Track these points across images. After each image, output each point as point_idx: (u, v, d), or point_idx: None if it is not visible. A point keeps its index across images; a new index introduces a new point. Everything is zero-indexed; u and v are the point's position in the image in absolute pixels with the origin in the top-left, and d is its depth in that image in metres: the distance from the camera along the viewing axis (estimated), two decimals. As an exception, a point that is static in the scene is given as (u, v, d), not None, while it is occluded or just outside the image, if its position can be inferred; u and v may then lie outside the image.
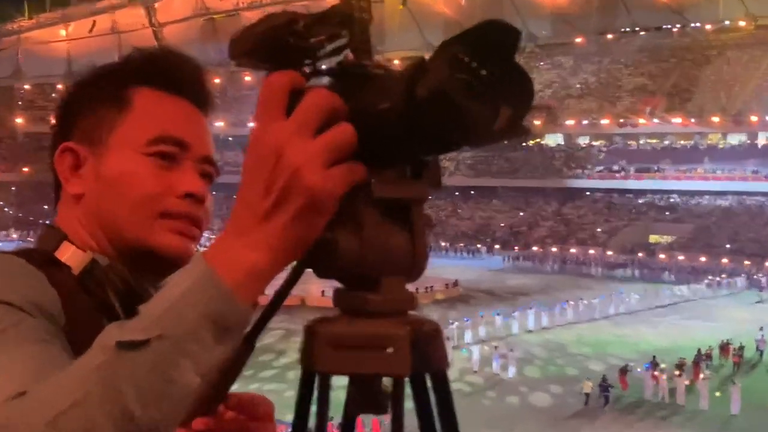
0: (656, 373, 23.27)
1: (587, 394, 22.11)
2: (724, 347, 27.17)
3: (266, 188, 0.57)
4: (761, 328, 28.76)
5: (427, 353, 0.62)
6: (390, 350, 0.60)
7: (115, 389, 0.54)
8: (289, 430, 0.67)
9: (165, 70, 0.91)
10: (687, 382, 23.02)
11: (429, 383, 0.64)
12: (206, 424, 0.74)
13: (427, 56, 0.53)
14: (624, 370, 23.76)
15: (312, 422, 0.64)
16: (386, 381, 0.62)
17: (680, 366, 24.25)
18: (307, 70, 0.61)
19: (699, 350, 26.50)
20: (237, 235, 0.58)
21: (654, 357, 24.83)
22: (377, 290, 0.61)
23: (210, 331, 0.57)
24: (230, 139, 60.62)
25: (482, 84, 0.53)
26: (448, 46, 0.53)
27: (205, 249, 0.60)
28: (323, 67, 0.62)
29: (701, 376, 23.23)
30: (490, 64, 0.53)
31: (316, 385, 0.63)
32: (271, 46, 0.61)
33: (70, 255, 0.85)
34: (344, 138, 0.57)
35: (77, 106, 0.92)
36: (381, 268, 0.61)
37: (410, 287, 0.64)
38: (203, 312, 0.56)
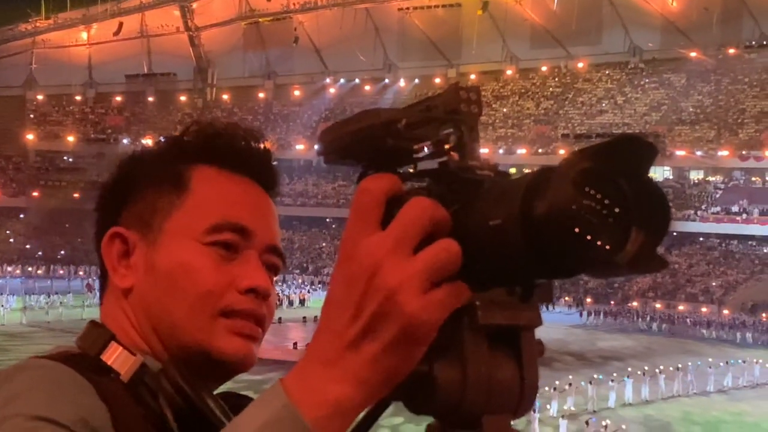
0: None
1: None
2: None
3: (356, 311, 0.52)
4: None
5: None
6: None
7: None
8: None
9: (228, 147, 0.85)
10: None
11: None
12: None
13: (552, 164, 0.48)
14: None
15: None
16: None
17: None
18: (406, 170, 0.57)
19: None
20: (321, 364, 0.53)
21: None
22: (478, 428, 0.56)
23: None
24: (275, 163, 57.16)
25: (611, 210, 0.48)
26: (577, 161, 0.47)
27: (285, 376, 0.55)
28: (424, 168, 0.57)
29: None
30: (623, 185, 0.49)
31: None
32: (369, 146, 0.57)
33: (117, 358, 0.80)
34: (448, 257, 0.51)
35: (129, 185, 0.86)
36: (484, 406, 0.55)
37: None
38: None
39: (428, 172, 0.57)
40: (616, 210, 0.48)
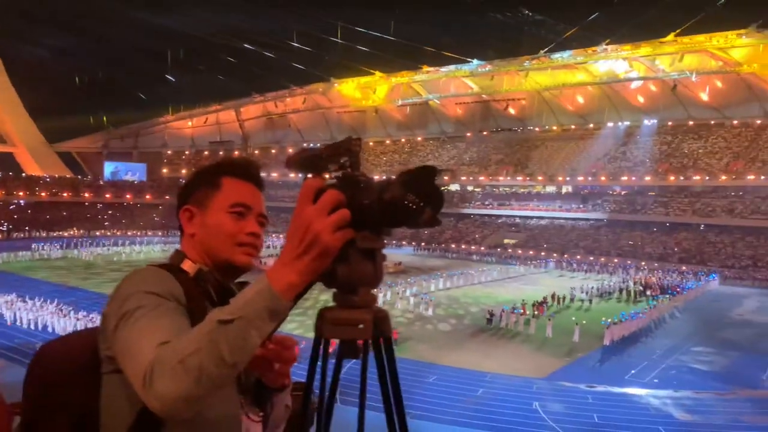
0: (513, 311, 30.54)
1: (488, 319, 30.45)
2: (551, 297, 36.21)
3: (300, 241, 1.05)
4: (572, 288, 40.06)
5: (381, 327, 1.17)
6: (361, 326, 1.14)
7: (216, 345, 1.01)
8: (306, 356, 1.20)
9: (240, 168, 1.50)
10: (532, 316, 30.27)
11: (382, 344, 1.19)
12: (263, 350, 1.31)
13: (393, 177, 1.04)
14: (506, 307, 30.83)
15: (318, 366, 1.22)
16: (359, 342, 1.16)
17: (532, 305, 32.33)
18: (326, 177, 1.10)
19: (549, 296, 36.10)
20: (283, 265, 1.06)
21: (517, 304, 32.17)
22: (356, 294, 1.13)
23: (268, 315, 1.05)
24: (280, 183, 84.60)
25: (417, 197, 1.01)
26: (401, 175, 1.03)
27: (267, 270, 1.06)
28: (334, 176, 1.10)
29: (548, 315, 30.75)
30: (423, 186, 1.02)
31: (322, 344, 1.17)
32: (309, 163, 1.13)
33: (188, 266, 1.41)
34: (343, 216, 1.05)
35: (193, 185, 1.50)
36: (359, 282, 1.13)
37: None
38: (264, 305, 1.04)
39: (336, 177, 1.11)
40: (420, 198, 1.02)
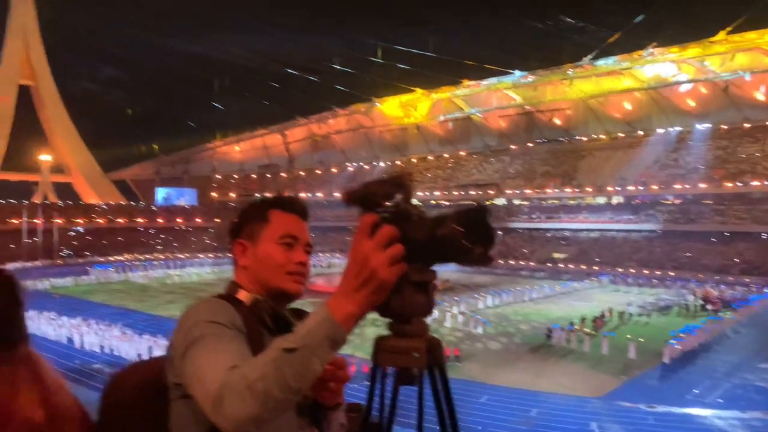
0: (572, 329, 29.54)
1: (548, 336, 29.64)
2: (602, 315, 34.26)
3: (357, 274, 1.12)
4: (628, 304, 38.93)
5: (434, 356, 1.22)
6: (416, 354, 1.20)
7: (281, 371, 1.08)
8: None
9: (286, 202, 1.62)
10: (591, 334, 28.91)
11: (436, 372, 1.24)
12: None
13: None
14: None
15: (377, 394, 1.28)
16: (414, 370, 1.21)
17: (592, 321, 31.59)
18: (381, 211, 1.17)
19: (606, 312, 34.86)
20: (342, 296, 1.13)
21: (572, 322, 30.76)
22: (410, 323, 1.21)
23: (329, 344, 1.12)
24: (325, 203, 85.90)
25: (470, 235, 1.07)
26: (455, 213, 1.09)
27: (327, 300, 1.14)
28: (388, 211, 1.17)
29: (603, 332, 29.52)
30: (476, 224, 1.09)
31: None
32: (364, 199, 1.20)
33: (243, 296, 1.52)
34: (397, 252, 1.12)
35: (244, 220, 1.62)
36: (412, 313, 1.20)
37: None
38: (325, 335, 1.12)
39: (390, 212, 1.18)
40: (471, 236, 1.07)
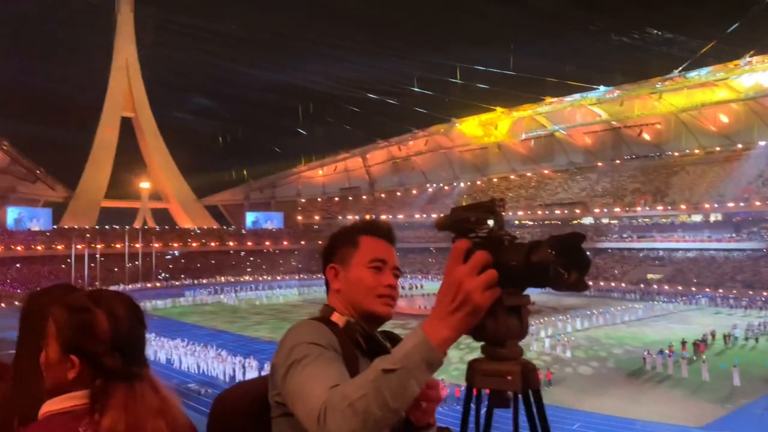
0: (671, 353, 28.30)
1: (644, 359, 28.90)
2: (704, 339, 32.85)
3: (452, 299, 1.15)
4: (733, 327, 36.83)
5: (529, 379, 1.23)
6: (510, 377, 1.22)
7: (381, 392, 1.12)
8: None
9: (374, 227, 1.70)
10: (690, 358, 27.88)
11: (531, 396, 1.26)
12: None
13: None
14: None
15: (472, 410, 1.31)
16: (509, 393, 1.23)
17: (693, 344, 30.17)
18: (473, 237, 1.22)
19: (708, 335, 33.60)
20: (438, 320, 1.16)
21: (670, 345, 29.74)
22: (504, 347, 1.23)
23: (425, 366, 1.16)
24: (406, 224, 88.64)
25: (565, 261, 1.08)
26: (550, 239, 1.11)
27: (422, 324, 1.18)
28: (480, 236, 1.21)
29: (703, 357, 28.20)
30: (571, 250, 1.10)
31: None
32: (457, 225, 1.25)
33: (336, 318, 1.60)
34: (491, 277, 1.15)
35: (335, 245, 1.70)
36: (506, 336, 1.22)
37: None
38: (422, 357, 1.15)
39: (483, 237, 1.22)
40: (566, 262, 1.08)
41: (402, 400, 1.15)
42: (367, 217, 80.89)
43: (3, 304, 50.64)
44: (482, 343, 1.26)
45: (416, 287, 66.41)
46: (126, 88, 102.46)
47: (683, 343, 31.23)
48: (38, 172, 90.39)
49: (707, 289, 58.24)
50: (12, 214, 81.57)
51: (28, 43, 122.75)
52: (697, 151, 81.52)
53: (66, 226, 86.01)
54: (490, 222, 1.25)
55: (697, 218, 76.01)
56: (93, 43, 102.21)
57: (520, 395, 1.27)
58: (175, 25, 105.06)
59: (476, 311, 1.16)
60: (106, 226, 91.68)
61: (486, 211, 1.26)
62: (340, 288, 1.66)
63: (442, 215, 1.32)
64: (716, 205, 72.46)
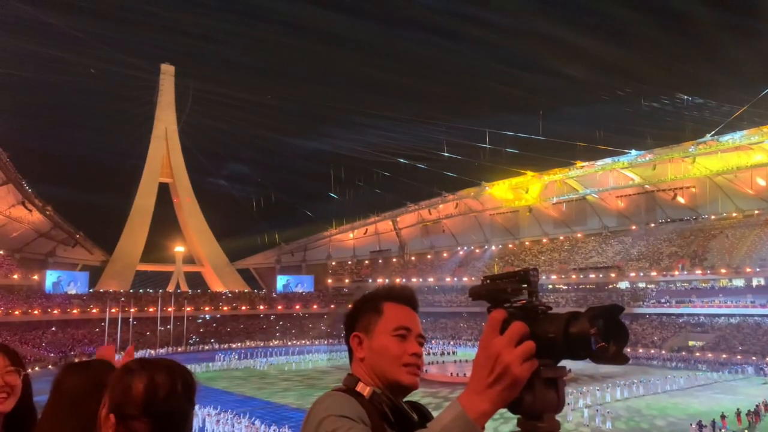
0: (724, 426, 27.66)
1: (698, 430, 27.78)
2: (757, 410, 31.97)
3: (490, 372, 1.12)
4: None
5: None
6: None
7: None
8: None
9: (397, 294, 1.68)
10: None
11: None
12: None
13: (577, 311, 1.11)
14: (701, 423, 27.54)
15: None
16: None
17: (746, 414, 29.47)
18: (508, 307, 1.21)
19: (761, 405, 32.63)
20: (475, 393, 1.13)
21: (722, 414, 29.05)
22: (542, 420, 1.20)
23: None
24: (436, 288, 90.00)
25: (604, 333, 1.09)
26: (589, 311, 1.10)
27: (459, 397, 1.15)
28: (516, 306, 1.21)
29: (756, 429, 27.66)
30: (610, 323, 1.10)
31: None
32: (492, 295, 1.23)
33: (361, 388, 1.58)
34: (529, 349, 1.13)
35: (358, 312, 1.70)
36: (543, 409, 1.19)
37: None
38: (460, 430, 1.11)
39: (518, 308, 1.20)
40: (605, 334, 1.09)
41: None
42: (397, 281, 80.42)
43: (37, 368, 50.87)
44: (518, 416, 1.24)
45: (448, 353, 65.18)
46: (164, 155, 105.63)
47: (737, 413, 29.81)
48: (78, 236, 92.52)
49: (753, 358, 56.14)
50: (51, 277, 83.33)
51: (74, 112, 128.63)
52: (734, 214, 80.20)
53: (102, 290, 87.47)
54: (525, 292, 1.25)
55: (738, 282, 73.47)
56: (135, 113, 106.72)
57: None
58: (211, 95, 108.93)
59: (515, 384, 1.14)
60: (141, 290, 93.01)
61: (521, 280, 1.25)
62: (364, 357, 1.65)
63: (476, 284, 1.32)
64: (758, 269, 70.24)
